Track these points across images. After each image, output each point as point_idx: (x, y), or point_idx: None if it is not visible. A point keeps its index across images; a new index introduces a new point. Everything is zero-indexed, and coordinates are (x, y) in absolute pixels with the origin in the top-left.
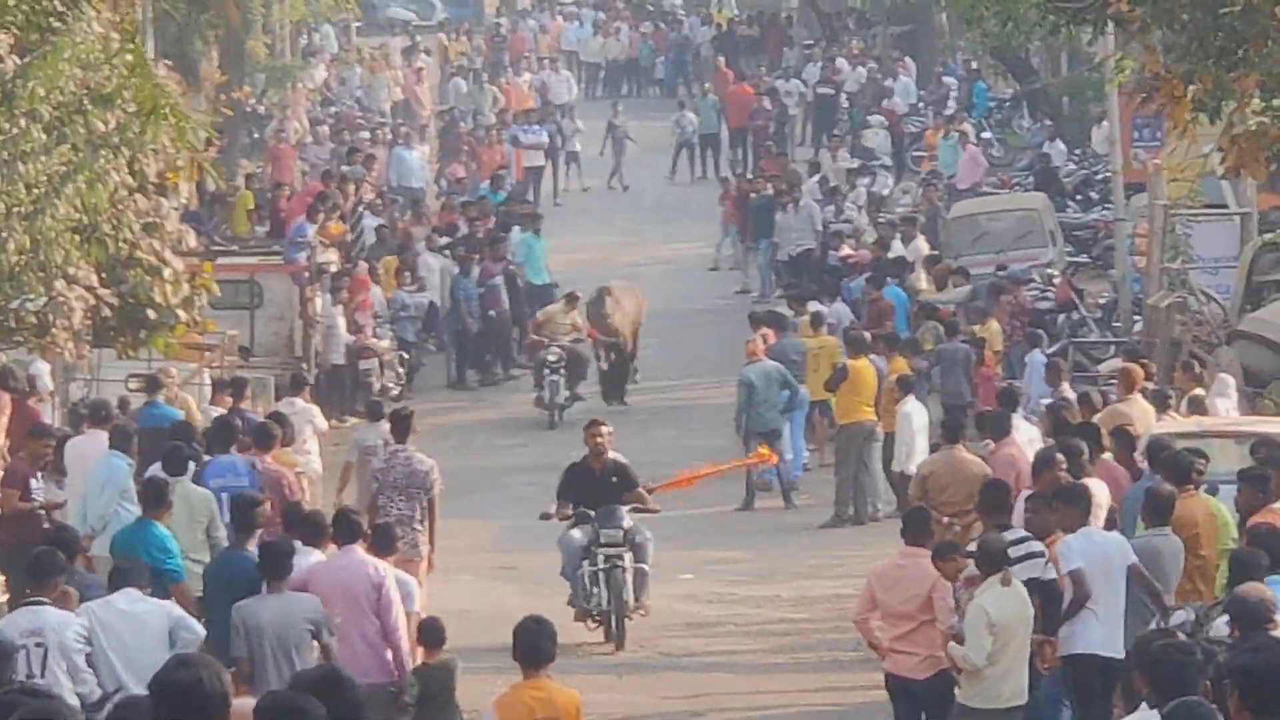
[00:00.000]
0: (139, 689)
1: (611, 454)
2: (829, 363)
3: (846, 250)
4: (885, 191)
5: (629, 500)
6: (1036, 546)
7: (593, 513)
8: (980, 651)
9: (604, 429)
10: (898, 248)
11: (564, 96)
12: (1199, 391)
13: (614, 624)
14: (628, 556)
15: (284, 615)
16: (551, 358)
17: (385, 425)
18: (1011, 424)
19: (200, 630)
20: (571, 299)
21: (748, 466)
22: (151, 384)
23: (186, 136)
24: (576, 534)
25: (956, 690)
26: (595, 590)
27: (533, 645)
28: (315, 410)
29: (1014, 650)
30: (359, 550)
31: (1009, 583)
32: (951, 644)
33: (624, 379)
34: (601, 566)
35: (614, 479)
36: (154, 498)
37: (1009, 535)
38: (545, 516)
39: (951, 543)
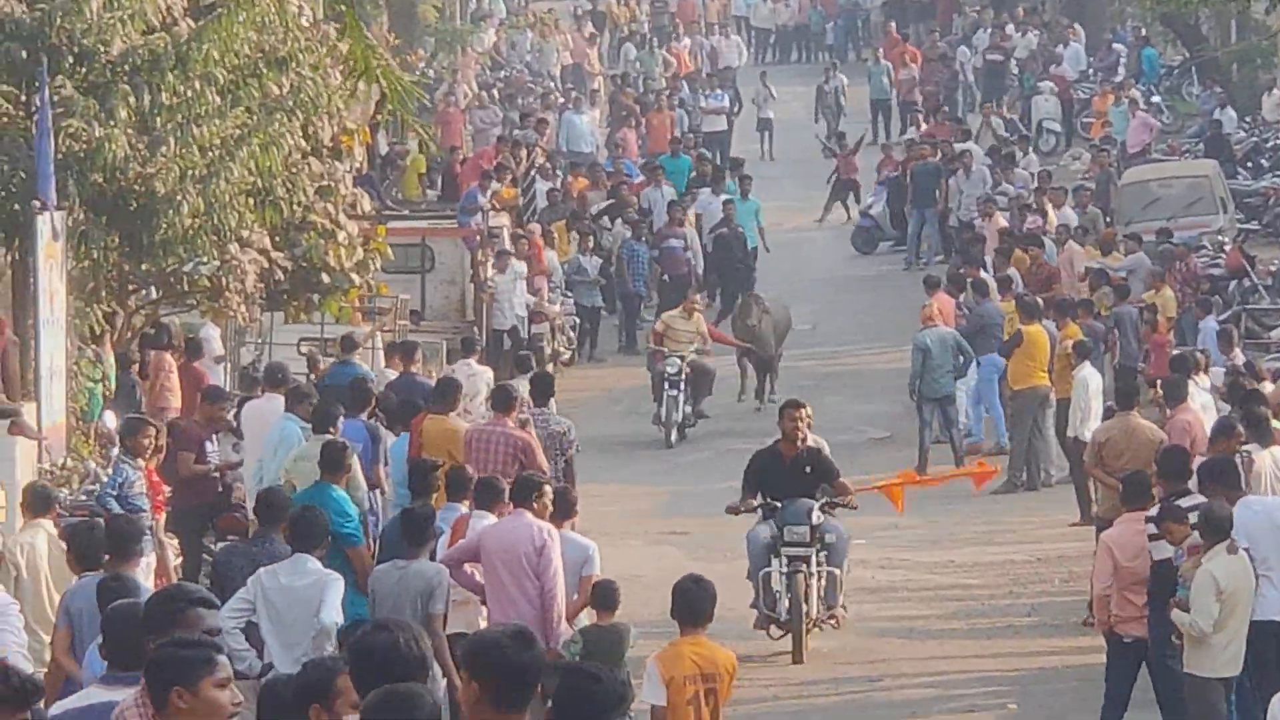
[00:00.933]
0: (288, 666)
1: (811, 440)
2: None
3: (1001, 221)
4: (1022, 160)
5: (825, 494)
6: None
7: (779, 505)
8: (1208, 618)
9: (803, 411)
10: (1065, 215)
11: (734, 61)
12: None
13: (795, 636)
14: (815, 558)
15: (399, 585)
16: (671, 370)
17: None
18: (1187, 390)
19: (331, 618)
20: (691, 303)
21: (973, 478)
22: (347, 343)
23: (398, 98)
24: (763, 530)
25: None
26: (780, 594)
27: (690, 604)
28: (489, 372)
29: (1238, 618)
30: (527, 514)
31: (1235, 550)
32: (1176, 611)
33: (767, 379)
34: (784, 569)
35: (807, 469)
36: (332, 461)
37: (1186, 502)
38: (731, 510)
39: (1179, 507)
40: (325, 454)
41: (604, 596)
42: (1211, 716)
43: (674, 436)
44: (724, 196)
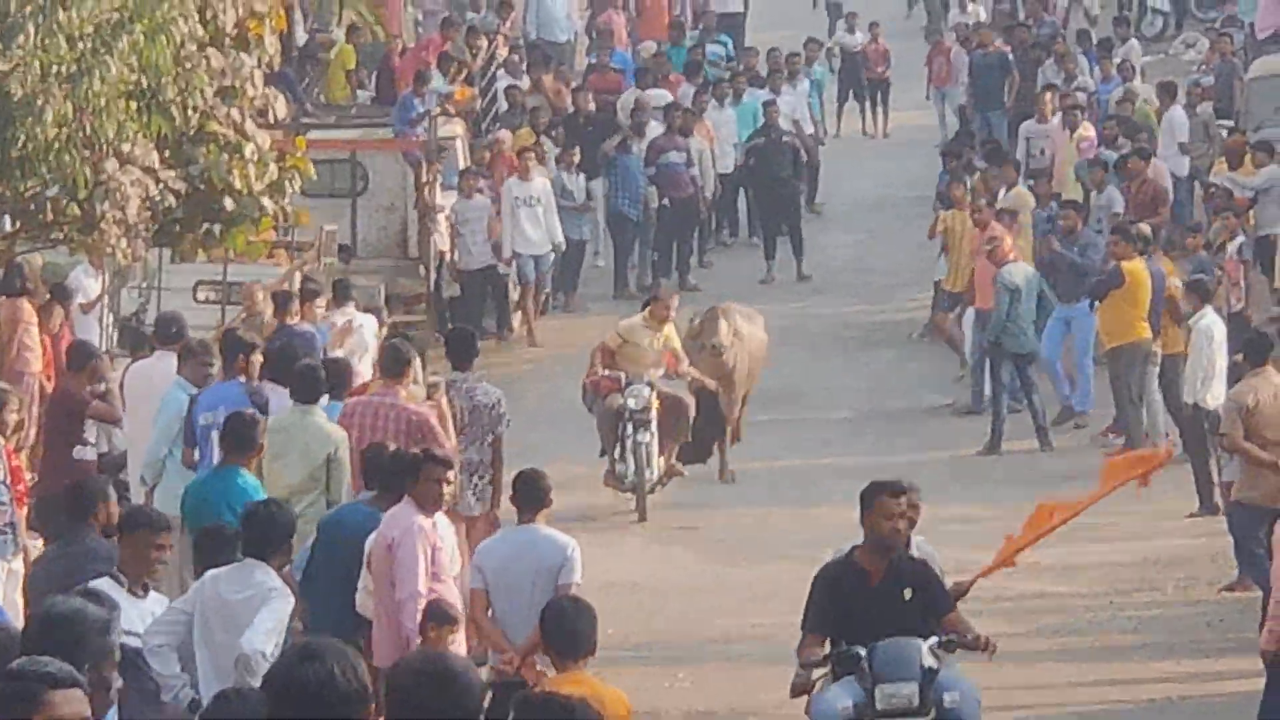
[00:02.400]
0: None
1: (913, 546)
2: None
3: (1055, 123)
4: (1120, 49)
5: (940, 631)
6: None
7: (863, 652)
8: None
9: (900, 501)
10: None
11: None
12: None
13: None
14: None
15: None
16: (634, 405)
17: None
18: None
19: (254, 645)
20: (662, 303)
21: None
22: (282, 298)
23: None
24: (837, 697)
25: None
26: None
27: (565, 632)
28: (372, 322)
29: None
30: (405, 501)
31: None
32: None
33: (712, 441)
34: None
35: (908, 592)
36: (237, 438)
37: None
38: (799, 688)
39: None
40: (230, 427)
41: (436, 611)
42: None
43: (645, 504)
44: (799, 88)
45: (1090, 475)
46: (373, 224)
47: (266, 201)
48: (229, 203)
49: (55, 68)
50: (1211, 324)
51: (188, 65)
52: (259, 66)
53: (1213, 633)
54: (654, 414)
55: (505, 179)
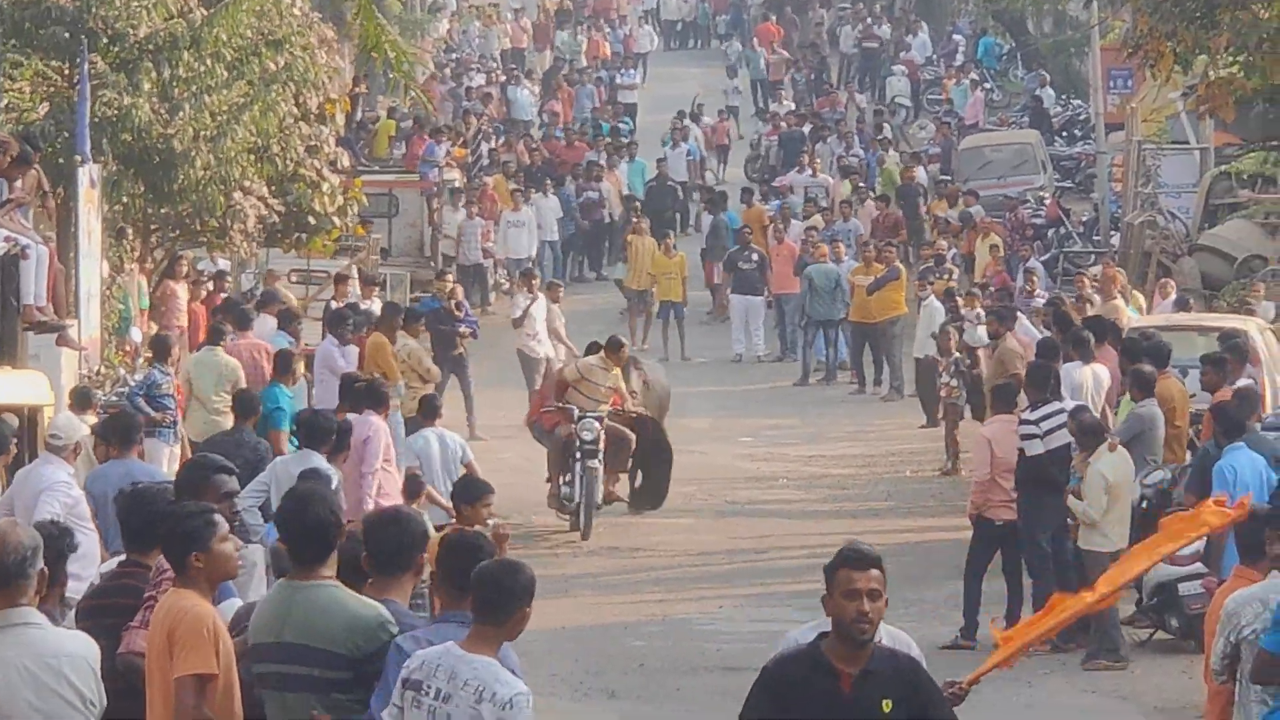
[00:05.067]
0: None
1: (883, 636)
2: None
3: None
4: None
5: None
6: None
7: None
8: (1099, 509)
9: (868, 576)
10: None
11: (646, 47)
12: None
13: None
14: None
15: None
16: (587, 436)
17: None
18: (1017, 319)
19: None
20: (616, 347)
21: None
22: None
23: (402, 66)
24: None
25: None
26: None
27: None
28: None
29: (1123, 503)
30: (372, 415)
31: (1115, 448)
32: (1071, 499)
33: (665, 479)
34: None
35: (887, 704)
36: (280, 366)
37: (1051, 407)
38: None
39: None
40: (275, 360)
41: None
42: None
43: (586, 526)
44: (678, 150)
45: (851, 402)
46: (402, 235)
47: (336, 220)
48: (312, 220)
49: (202, 133)
50: (936, 305)
51: (287, 132)
52: (332, 134)
53: (935, 500)
54: (598, 446)
55: (493, 208)
